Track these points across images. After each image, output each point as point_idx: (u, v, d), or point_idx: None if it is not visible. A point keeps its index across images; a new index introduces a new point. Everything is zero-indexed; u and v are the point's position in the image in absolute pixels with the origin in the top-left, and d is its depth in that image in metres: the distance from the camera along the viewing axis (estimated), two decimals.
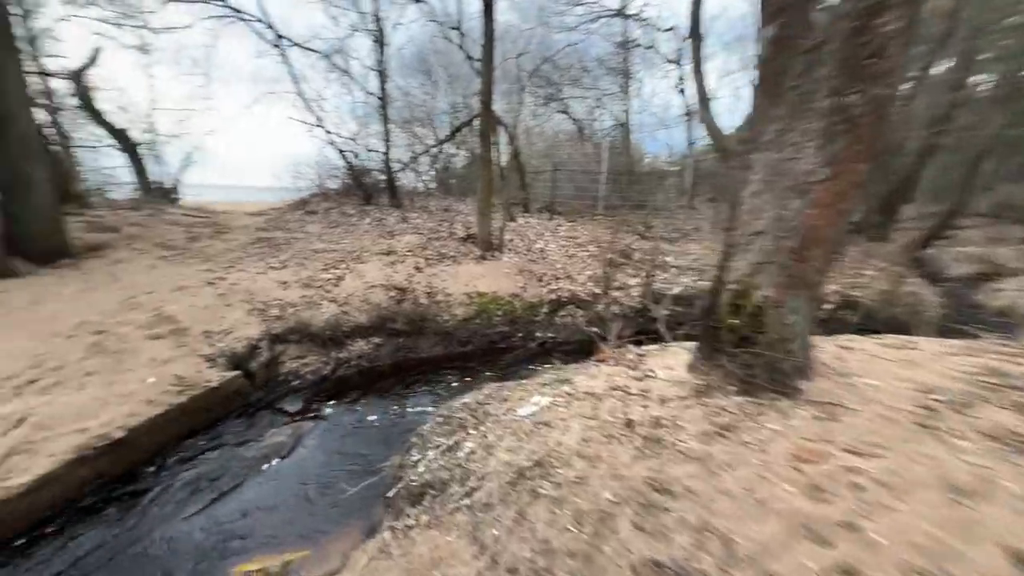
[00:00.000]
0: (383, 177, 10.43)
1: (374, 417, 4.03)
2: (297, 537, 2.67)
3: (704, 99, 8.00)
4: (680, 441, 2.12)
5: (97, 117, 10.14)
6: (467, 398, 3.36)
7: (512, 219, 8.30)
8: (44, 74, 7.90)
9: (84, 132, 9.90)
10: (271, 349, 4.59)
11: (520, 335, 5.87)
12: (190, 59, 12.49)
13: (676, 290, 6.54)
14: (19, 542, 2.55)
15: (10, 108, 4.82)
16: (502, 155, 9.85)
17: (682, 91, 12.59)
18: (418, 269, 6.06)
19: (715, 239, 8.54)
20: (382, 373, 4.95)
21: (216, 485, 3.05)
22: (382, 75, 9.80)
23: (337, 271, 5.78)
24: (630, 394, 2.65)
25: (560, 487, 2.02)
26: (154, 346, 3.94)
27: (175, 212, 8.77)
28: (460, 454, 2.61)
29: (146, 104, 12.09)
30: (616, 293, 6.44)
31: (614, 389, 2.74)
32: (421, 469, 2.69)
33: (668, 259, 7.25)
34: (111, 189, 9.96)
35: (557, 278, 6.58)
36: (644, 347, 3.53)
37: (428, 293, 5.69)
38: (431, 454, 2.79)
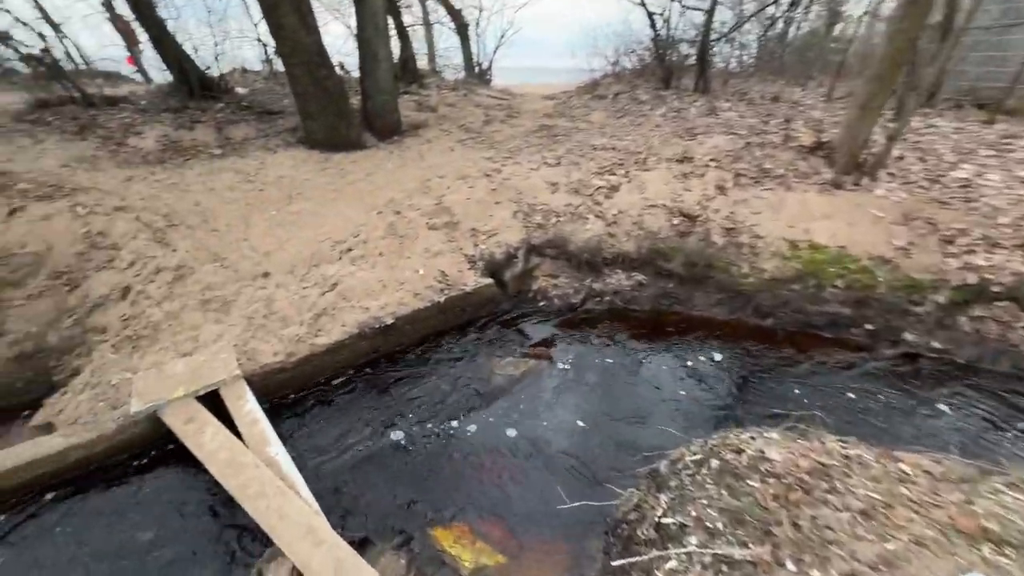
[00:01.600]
0: (693, 51, 7.99)
1: (618, 386, 3.15)
2: (494, 521, 2.20)
3: None
4: None
5: None
6: (772, 450, 1.95)
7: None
8: None
9: (425, 13, 11.22)
10: (526, 260, 4.16)
11: (869, 328, 3.57)
12: None
13: None
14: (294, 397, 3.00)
15: None
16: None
17: None
18: (721, 190, 4.27)
19: None
20: (636, 320, 3.91)
21: (445, 410, 2.91)
22: None
23: (613, 177, 4.67)
24: None
25: None
26: (429, 236, 4.02)
27: (482, 94, 9.25)
28: None
29: None
30: None
31: None
32: (671, 564, 1.63)
33: None
34: (444, 68, 11.36)
35: (991, 242, 3.52)
36: None
37: (728, 229, 3.96)
38: (694, 544, 1.66)
